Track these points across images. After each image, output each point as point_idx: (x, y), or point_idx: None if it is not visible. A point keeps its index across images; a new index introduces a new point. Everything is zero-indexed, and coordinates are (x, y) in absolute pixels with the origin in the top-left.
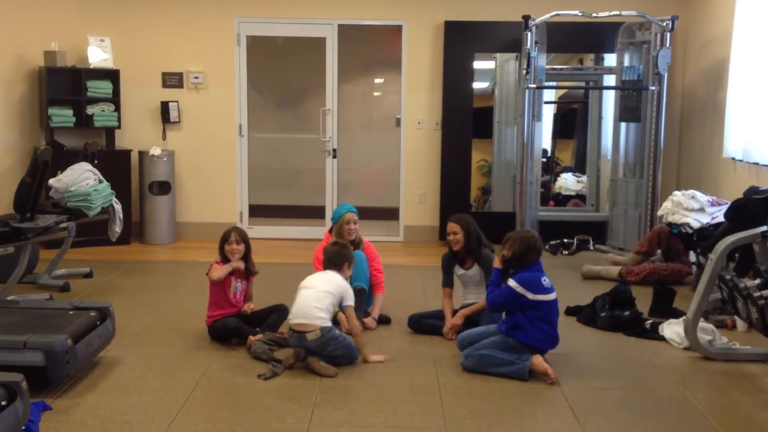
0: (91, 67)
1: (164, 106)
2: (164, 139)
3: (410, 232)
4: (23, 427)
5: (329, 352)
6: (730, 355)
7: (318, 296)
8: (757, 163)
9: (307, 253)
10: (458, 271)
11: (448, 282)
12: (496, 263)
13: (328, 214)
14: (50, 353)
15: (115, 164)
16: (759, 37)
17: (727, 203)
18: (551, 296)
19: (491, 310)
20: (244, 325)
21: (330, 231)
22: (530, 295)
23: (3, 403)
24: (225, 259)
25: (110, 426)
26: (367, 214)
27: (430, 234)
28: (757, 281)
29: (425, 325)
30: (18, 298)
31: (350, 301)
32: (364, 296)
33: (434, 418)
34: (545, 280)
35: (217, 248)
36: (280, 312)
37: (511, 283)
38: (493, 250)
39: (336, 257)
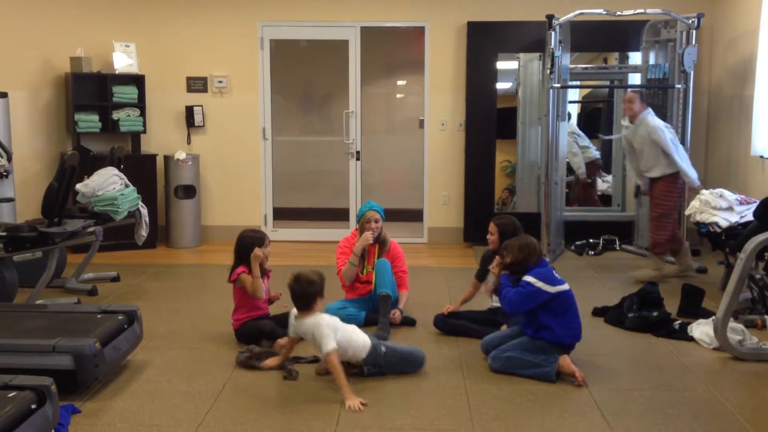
0: (117, 72)
1: (189, 111)
2: (189, 143)
3: (434, 234)
4: (53, 430)
5: (391, 366)
6: (761, 355)
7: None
8: None
9: (331, 255)
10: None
11: (480, 275)
12: (497, 269)
13: (352, 217)
14: (79, 357)
15: (140, 169)
16: None
17: (755, 202)
18: (566, 286)
19: (509, 312)
20: (278, 328)
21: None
22: (551, 289)
23: (33, 406)
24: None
25: (138, 429)
26: (390, 216)
27: (455, 235)
28: None
29: (452, 325)
30: (46, 302)
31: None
32: (389, 302)
33: (462, 420)
34: (555, 272)
35: (239, 254)
36: None
37: (529, 278)
38: None
39: (306, 295)
